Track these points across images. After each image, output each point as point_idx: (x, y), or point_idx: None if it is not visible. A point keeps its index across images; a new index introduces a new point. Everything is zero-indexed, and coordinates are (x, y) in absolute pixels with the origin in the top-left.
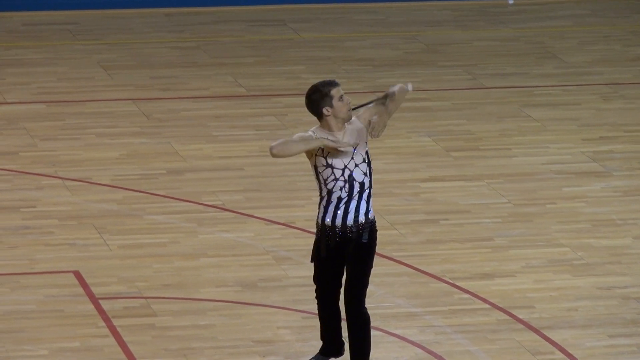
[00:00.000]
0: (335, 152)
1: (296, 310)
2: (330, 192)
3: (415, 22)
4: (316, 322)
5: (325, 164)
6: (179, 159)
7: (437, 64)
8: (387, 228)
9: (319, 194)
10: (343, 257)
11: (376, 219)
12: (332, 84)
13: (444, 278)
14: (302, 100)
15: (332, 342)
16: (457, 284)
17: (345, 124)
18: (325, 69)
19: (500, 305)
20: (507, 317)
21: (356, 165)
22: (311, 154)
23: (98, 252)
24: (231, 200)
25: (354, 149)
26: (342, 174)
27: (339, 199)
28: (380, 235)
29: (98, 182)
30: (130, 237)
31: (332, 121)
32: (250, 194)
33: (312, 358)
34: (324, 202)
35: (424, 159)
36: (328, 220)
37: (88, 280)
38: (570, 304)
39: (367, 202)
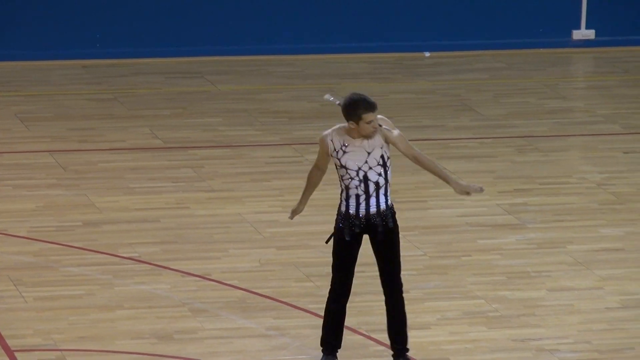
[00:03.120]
0: (349, 155)
1: None
2: (347, 188)
3: (331, 74)
4: None
5: (339, 164)
6: (96, 211)
7: None
8: (303, 280)
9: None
10: (359, 247)
11: (295, 267)
12: (369, 107)
13: (360, 330)
14: (219, 152)
15: (336, 339)
16: (373, 336)
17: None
18: (241, 121)
19: (416, 358)
20: None
21: (370, 168)
22: (328, 155)
23: (13, 304)
24: (147, 252)
25: (368, 153)
26: (357, 175)
27: (357, 196)
28: (296, 287)
29: (14, 234)
30: (46, 289)
31: (353, 132)
32: (167, 245)
33: None
34: (344, 195)
35: None
36: (352, 211)
37: (3, 332)
38: (485, 356)
39: (386, 195)
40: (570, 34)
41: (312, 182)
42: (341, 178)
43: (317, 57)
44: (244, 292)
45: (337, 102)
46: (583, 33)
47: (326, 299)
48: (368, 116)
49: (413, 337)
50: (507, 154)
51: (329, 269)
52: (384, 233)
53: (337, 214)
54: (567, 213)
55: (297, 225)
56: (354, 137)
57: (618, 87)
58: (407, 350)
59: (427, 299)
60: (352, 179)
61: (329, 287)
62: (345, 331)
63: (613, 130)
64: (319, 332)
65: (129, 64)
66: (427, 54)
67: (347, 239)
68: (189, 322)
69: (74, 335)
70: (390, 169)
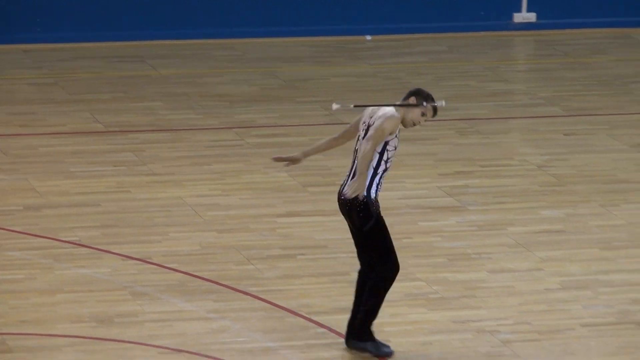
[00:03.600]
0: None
1: (152, 345)
2: (386, 170)
3: (272, 58)
4: (173, 357)
5: (395, 146)
6: (36, 195)
7: (295, 99)
8: (244, 263)
9: (376, 170)
10: None
11: (236, 250)
12: (435, 109)
13: (300, 313)
14: (160, 136)
15: None
16: (314, 318)
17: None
18: (182, 105)
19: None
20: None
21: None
22: (392, 134)
23: None
24: (88, 236)
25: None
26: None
27: (382, 176)
28: (237, 270)
29: None
30: None
31: (405, 111)
32: (107, 229)
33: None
34: (377, 179)
35: (280, 195)
36: (378, 194)
37: None
38: (425, 338)
39: None
40: (511, 17)
41: (330, 146)
42: (386, 161)
43: (258, 40)
44: (185, 275)
45: (351, 106)
46: (524, 16)
47: (385, 285)
48: (429, 111)
49: None
50: (448, 137)
51: (271, 253)
52: None
53: (369, 201)
54: (507, 195)
55: (238, 208)
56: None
57: (559, 69)
58: None
59: None
60: (391, 160)
61: (387, 273)
62: (285, 314)
63: (554, 112)
64: (260, 315)
65: (70, 48)
66: (369, 38)
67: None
68: (130, 305)
69: (14, 319)
70: None
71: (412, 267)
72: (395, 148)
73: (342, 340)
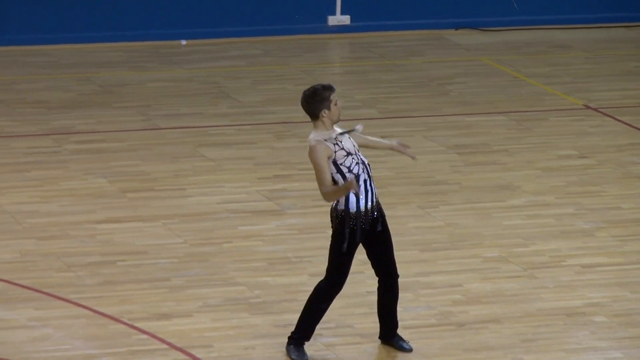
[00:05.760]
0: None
1: None
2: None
3: (88, 63)
4: None
5: (335, 170)
6: None
7: (112, 105)
8: (64, 270)
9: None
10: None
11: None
12: (331, 88)
13: (122, 319)
14: None
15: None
16: (135, 324)
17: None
18: None
19: (179, 345)
20: (186, 357)
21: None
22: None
23: None
24: None
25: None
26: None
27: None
28: (57, 277)
29: None
30: None
31: (326, 122)
32: None
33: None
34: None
35: (99, 201)
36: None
37: None
38: (247, 342)
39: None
40: (325, 20)
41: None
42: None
43: (73, 46)
44: (5, 283)
45: (357, 127)
46: (338, 19)
47: (320, 297)
48: (334, 96)
49: (176, 325)
50: (266, 140)
51: (91, 259)
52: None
53: (344, 217)
54: None
55: (58, 215)
56: (328, 129)
57: (374, 72)
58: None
59: (188, 287)
60: (358, 163)
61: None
62: (107, 321)
63: (371, 114)
64: (81, 322)
65: None
66: (184, 42)
67: (358, 241)
68: None
69: None
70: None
71: (232, 271)
72: (353, 161)
73: (165, 346)
